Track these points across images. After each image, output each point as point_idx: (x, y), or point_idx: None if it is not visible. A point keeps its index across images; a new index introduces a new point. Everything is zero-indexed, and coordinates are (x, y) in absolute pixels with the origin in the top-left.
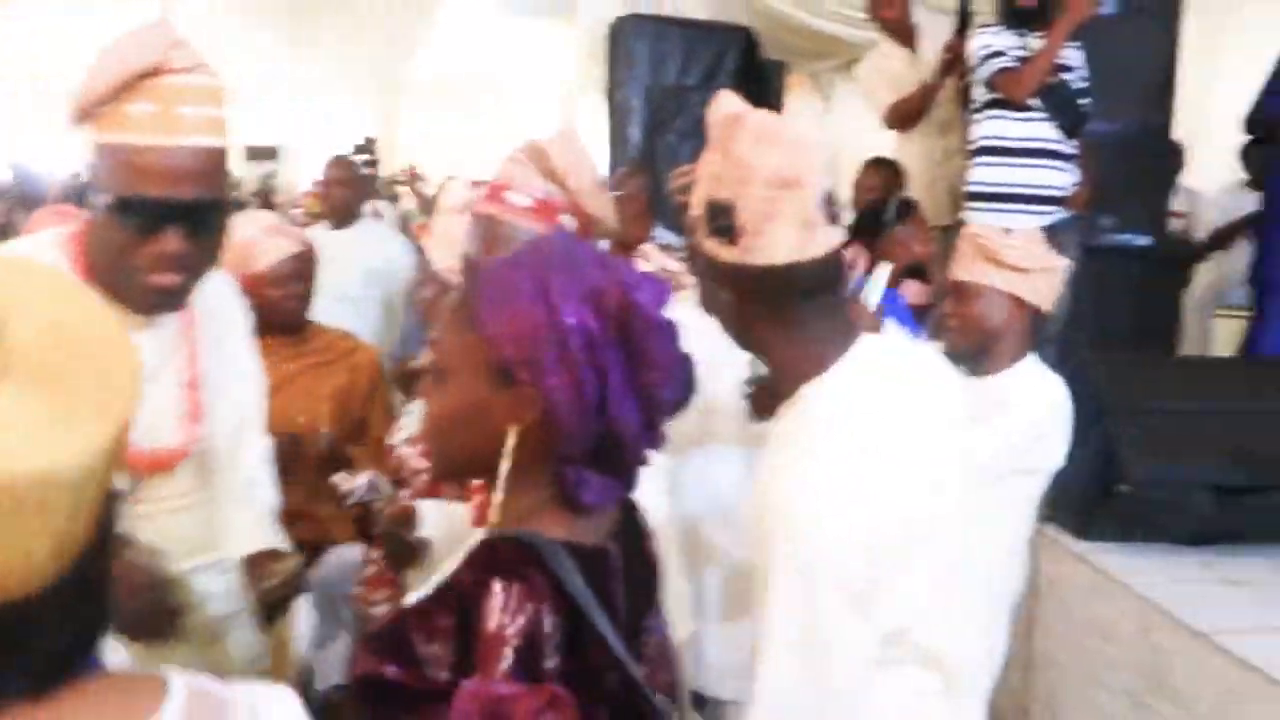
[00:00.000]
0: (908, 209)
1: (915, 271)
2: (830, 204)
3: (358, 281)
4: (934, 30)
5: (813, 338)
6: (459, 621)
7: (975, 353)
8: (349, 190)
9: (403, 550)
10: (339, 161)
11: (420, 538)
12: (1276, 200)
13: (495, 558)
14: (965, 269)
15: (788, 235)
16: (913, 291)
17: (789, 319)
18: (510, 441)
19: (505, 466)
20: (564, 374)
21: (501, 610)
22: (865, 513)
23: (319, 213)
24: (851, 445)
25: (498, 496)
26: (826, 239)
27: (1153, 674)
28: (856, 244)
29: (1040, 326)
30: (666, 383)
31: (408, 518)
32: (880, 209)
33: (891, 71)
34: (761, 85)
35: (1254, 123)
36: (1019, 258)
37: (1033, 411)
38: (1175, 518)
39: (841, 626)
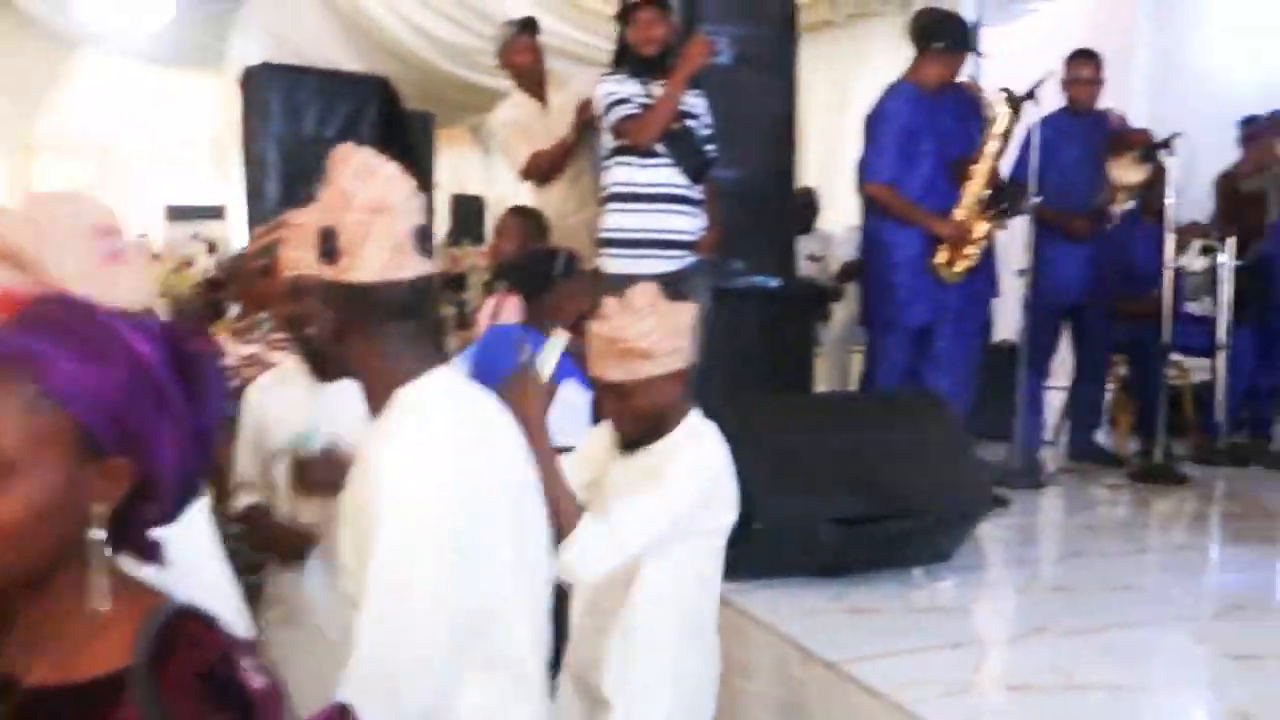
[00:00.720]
0: (572, 264)
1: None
2: (422, 238)
3: None
4: (570, 79)
5: (398, 355)
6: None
7: (650, 432)
8: None
9: None
10: None
11: None
12: (868, 241)
13: (205, 631)
14: (613, 369)
15: (379, 255)
16: (571, 343)
17: (377, 336)
18: (98, 522)
19: (98, 547)
20: (164, 431)
21: (254, 671)
22: (459, 479)
23: None
24: (441, 426)
25: (100, 579)
26: (415, 266)
27: (790, 707)
28: (517, 294)
29: (692, 374)
30: (219, 413)
31: None
32: (549, 263)
33: (523, 122)
34: (405, 136)
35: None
36: (658, 341)
37: (700, 479)
38: (805, 552)
39: (439, 586)
